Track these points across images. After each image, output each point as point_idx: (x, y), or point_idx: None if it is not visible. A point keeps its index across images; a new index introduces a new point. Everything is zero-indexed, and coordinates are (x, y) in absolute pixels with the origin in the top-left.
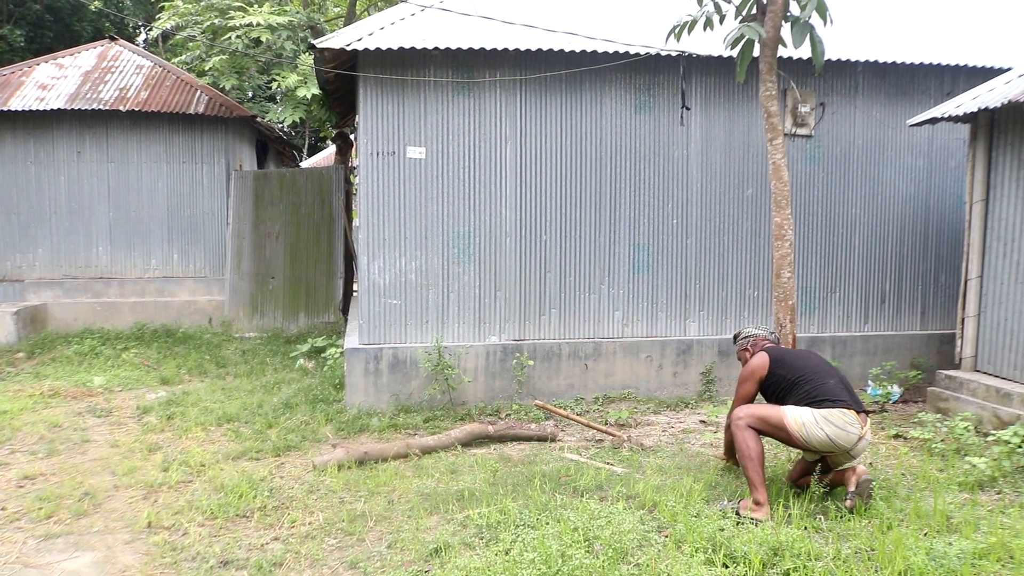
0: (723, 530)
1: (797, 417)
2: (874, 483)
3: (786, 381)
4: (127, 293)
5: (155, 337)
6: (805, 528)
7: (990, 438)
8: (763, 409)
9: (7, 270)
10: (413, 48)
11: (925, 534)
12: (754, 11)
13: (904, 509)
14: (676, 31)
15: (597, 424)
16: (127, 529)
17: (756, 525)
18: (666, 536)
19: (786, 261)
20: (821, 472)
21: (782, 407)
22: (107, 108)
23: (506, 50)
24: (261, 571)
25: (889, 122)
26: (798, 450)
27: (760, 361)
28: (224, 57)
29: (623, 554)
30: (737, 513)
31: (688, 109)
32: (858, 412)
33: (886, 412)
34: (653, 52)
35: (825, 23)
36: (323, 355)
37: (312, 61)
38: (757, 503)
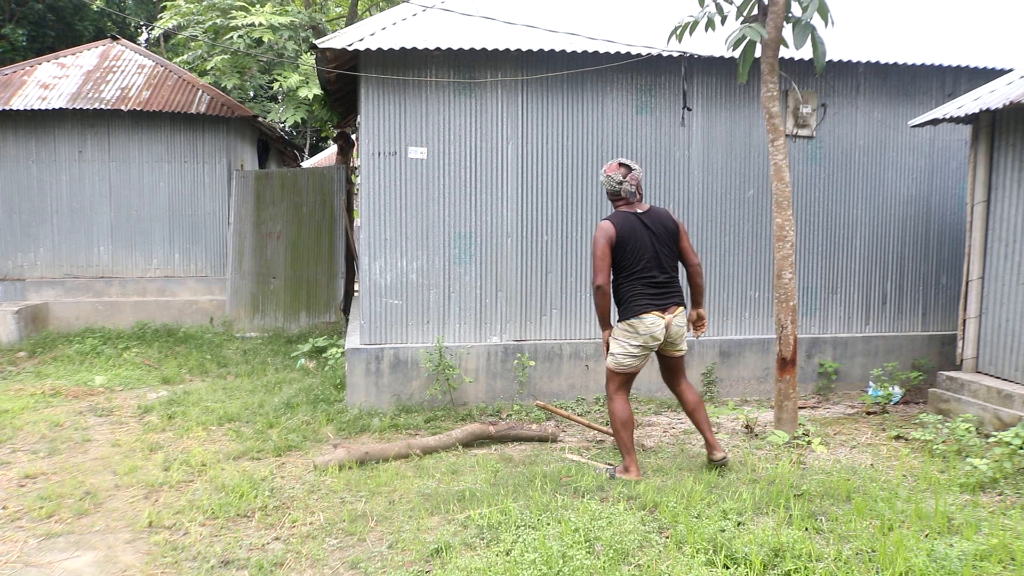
0: (724, 531)
1: (621, 361)
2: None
3: (617, 265)
4: (128, 292)
5: (156, 336)
6: (806, 529)
7: (991, 439)
8: (612, 377)
9: (8, 269)
10: (415, 48)
11: (926, 535)
12: (755, 12)
13: (905, 510)
14: (677, 32)
15: (598, 425)
16: (128, 528)
17: (631, 485)
18: (667, 537)
19: (787, 262)
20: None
21: (610, 361)
22: (109, 108)
23: (507, 50)
24: (262, 571)
25: (890, 123)
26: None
27: (608, 232)
28: (226, 57)
29: (624, 555)
30: (612, 476)
31: (689, 110)
32: (663, 309)
33: (887, 413)
34: (655, 53)
35: (826, 24)
36: (324, 355)
37: (314, 61)
38: (626, 468)
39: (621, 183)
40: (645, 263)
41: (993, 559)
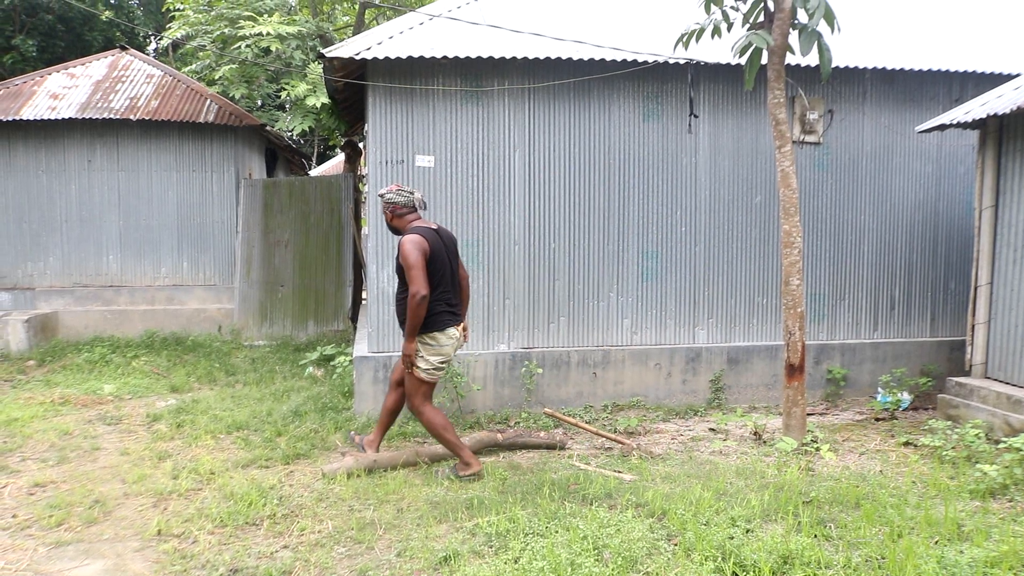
0: (733, 538)
1: (433, 372)
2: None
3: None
4: (137, 301)
5: (165, 345)
6: (815, 536)
7: (1001, 445)
8: (417, 391)
9: (18, 278)
10: (422, 57)
11: (936, 542)
12: (762, 19)
13: (915, 517)
14: (684, 39)
15: (606, 432)
16: (137, 537)
17: (474, 480)
18: (675, 544)
19: (795, 268)
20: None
21: (423, 374)
22: (118, 117)
23: (514, 58)
24: None
25: (897, 128)
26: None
27: (423, 245)
28: (234, 66)
29: (632, 562)
30: (458, 477)
31: (696, 117)
32: (459, 322)
33: (896, 419)
34: (661, 60)
35: (833, 31)
36: (332, 363)
37: (321, 70)
38: (467, 463)
39: (412, 193)
40: (444, 278)
41: (1004, 566)
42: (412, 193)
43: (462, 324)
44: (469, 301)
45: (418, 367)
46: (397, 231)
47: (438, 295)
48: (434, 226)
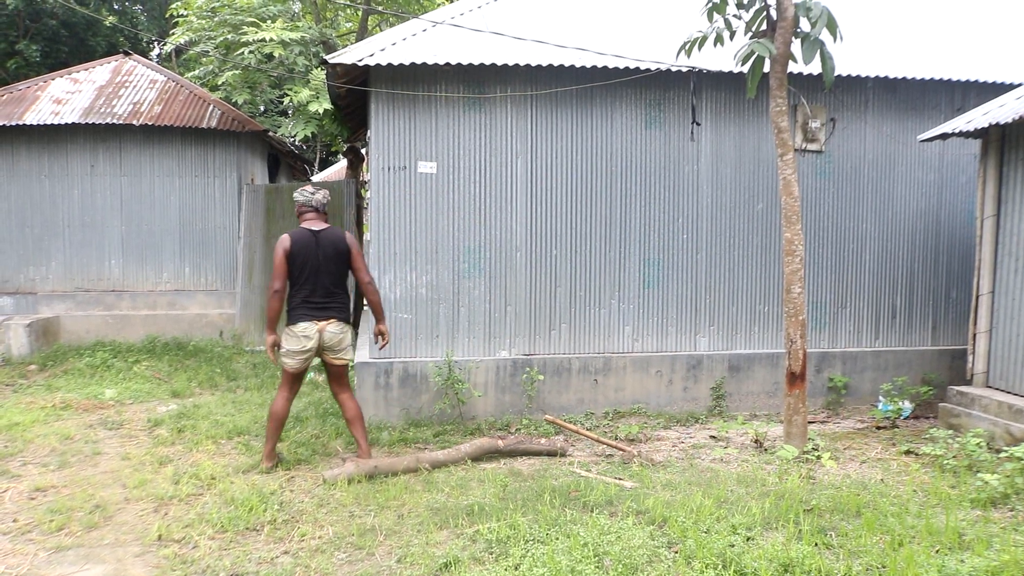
0: (733, 546)
1: (285, 361)
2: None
3: (289, 275)
4: (139, 306)
5: (166, 350)
6: (816, 544)
7: (1003, 454)
8: (282, 375)
9: (21, 282)
10: (424, 64)
11: (937, 551)
12: (764, 27)
13: (916, 526)
14: (687, 47)
15: (607, 439)
16: (137, 542)
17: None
18: (676, 552)
19: (796, 276)
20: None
21: (283, 363)
22: (121, 122)
23: (517, 66)
24: None
25: (899, 137)
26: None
27: (285, 244)
28: (237, 72)
29: (633, 570)
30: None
31: (698, 124)
32: (319, 319)
33: (897, 428)
34: (663, 68)
35: (835, 39)
36: None
37: (324, 76)
38: (266, 457)
39: (313, 194)
40: (307, 276)
41: (1005, 575)
42: (313, 194)
43: (333, 320)
44: (376, 305)
45: (287, 362)
46: None
47: (295, 291)
48: (317, 228)
